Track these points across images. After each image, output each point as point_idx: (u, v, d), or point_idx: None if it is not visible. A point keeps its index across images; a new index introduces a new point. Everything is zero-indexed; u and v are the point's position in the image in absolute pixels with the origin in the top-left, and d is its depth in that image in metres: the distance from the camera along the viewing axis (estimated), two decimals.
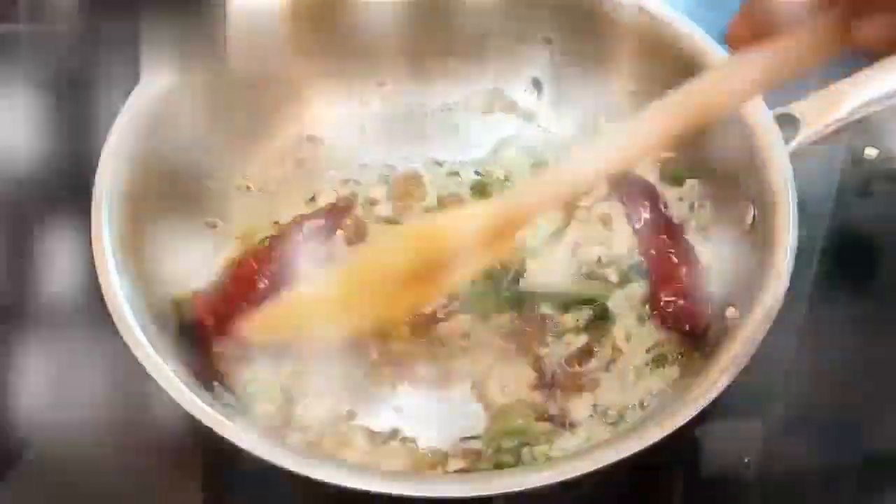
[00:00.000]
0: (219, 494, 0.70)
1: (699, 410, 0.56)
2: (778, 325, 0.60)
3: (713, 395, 0.57)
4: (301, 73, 0.82)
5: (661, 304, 0.70)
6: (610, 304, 0.72)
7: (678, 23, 0.76)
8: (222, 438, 0.55)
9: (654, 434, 0.55)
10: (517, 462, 0.64)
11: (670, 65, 0.76)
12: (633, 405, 0.67)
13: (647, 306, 0.71)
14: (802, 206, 0.65)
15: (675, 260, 0.72)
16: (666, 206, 0.76)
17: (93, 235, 0.64)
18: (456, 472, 0.63)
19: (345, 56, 0.82)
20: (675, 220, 0.75)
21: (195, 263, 0.72)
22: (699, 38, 0.75)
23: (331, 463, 0.58)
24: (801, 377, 0.73)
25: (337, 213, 0.77)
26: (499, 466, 0.64)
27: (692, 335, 0.68)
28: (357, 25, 0.81)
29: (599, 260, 0.74)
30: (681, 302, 0.69)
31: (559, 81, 0.84)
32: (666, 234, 0.74)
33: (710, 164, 0.74)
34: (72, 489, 0.67)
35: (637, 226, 0.75)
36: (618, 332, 0.71)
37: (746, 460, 0.69)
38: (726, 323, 0.64)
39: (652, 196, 0.76)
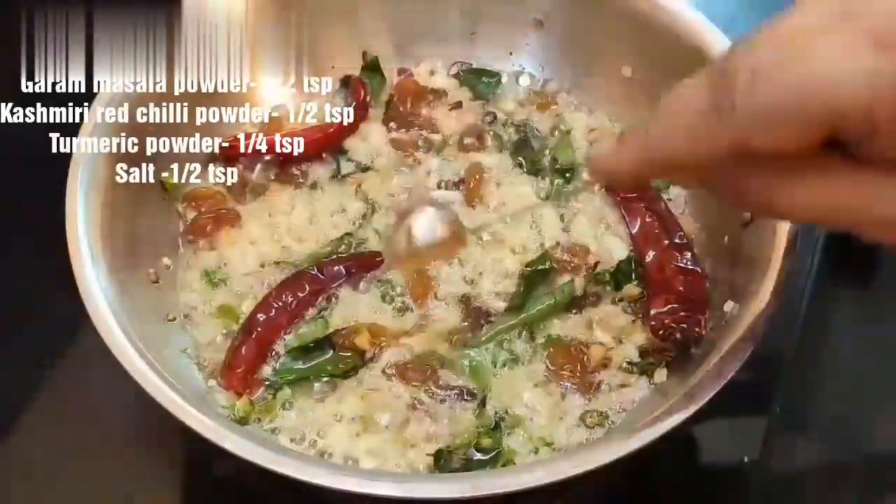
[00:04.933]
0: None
1: (699, 407, 0.55)
2: (777, 320, 0.58)
3: (713, 391, 0.55)
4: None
5: (656, 315, 0.67)
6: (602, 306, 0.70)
7: (677, 7, 0.73)
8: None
9: (652, 433, 0.54)
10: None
11: (668, 51, 0.73)
12: (619, 406, 0.65)
13: (639, 307, 0.69)
14: None
15: (673, 267, 0.69)
16: (665, 206, 0.73)
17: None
18: (452, 470, 0.61)
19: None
20: (673, 218, 0.72)
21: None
22: (699, 24, 0.72)
23: (322, 464, 0.58)
24: (802, 376, 0.72)
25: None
26: None
27: (684, 345, 0.66)
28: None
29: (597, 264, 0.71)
30: (678, 315, 0.66)
31: (550, 65, 0.82)
32: (664, 235, 0.71)
33: None
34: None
35: (634, 227, 0.73)
36: (607, 332, 0.68)
37: (746, 459, 0.68)
38: (725, 317, 0.62)
39: (649, 197, 0.73)
